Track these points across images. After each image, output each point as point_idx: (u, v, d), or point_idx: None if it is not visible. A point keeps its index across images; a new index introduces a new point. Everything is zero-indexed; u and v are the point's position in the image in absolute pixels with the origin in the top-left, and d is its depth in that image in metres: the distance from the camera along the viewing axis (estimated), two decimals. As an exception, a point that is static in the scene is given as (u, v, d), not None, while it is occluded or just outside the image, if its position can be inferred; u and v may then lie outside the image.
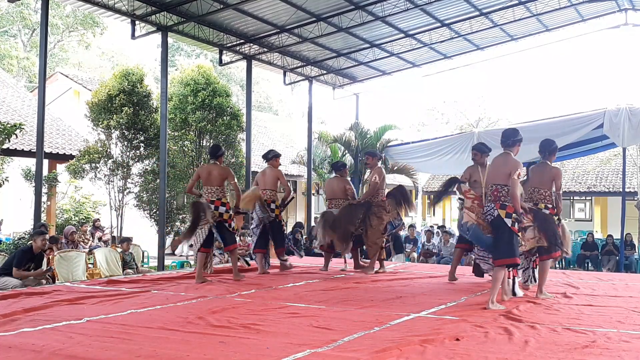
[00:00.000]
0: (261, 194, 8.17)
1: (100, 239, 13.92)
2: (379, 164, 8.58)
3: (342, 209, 8.32)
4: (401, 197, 8.28)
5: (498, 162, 5.88)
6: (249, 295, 6.30)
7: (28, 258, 8.09)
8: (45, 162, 12.95)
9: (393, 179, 22.03)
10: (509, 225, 5.62)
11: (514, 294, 6.11)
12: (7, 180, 10.68)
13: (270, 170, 8.35)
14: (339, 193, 8.61)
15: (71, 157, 14.24)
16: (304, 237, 14.59)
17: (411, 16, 14.10)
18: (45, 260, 8.45)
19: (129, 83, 13.64)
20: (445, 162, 14.62)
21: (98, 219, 15.50)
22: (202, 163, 14.56)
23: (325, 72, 17.18)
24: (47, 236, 8.64)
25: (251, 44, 14.39)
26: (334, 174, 9.12)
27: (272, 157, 8.45)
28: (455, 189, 6.44)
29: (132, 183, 13.87)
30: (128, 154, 13.64)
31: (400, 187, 8.48)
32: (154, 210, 13.68)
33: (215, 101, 14.50)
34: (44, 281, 8.10)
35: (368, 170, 8.53)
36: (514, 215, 5.64)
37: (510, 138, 5.90)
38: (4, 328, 4.46)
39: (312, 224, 16.76)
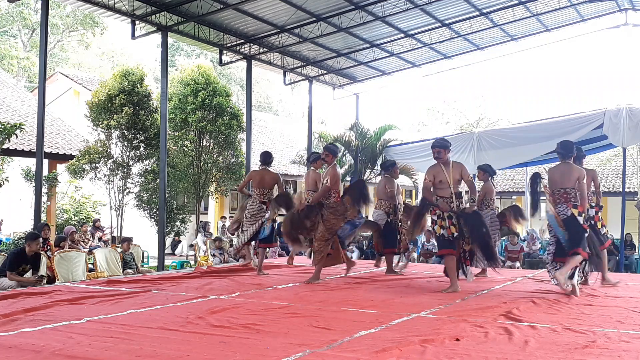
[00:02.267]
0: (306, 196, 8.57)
1: (100, 239, 13.92)
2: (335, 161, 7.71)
3: (300, 210, 7.68)
4: (358, 193, 7.53)
5: (564, 170, 6.64)
6: (249, 295, 6.30)
7: (21, 260, 8.01)
8: (45, 162, 12.96)
9: (393, 179, 22.08)
10: (581, 223, 6.40)
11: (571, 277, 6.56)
12: (7, 180, 10.68)
13: (313, 173, 8.97)
14: (381, 194, 8.49)
15: (71, 157, 14.24)
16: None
17: (411, 16, 14.11)
18: (44, 260, 8.40)
19: (129, 83, 13.64)
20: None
21: (98, 219, 15.50)
22: (201, 163, 14.59)
23: (325, 72, 17.19)
24: (41, 239, 8.54)
25: (251, 44, 14.39)
26: (382, 174, 8.90)
27: (313, 159, 9.09)
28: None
29: (132, 183, 13.87)
30: (128, 154, 13.64)
31: (358, 182, 8.00)
32: (154, 210, 13.68)
33: (215, 101, 14.50)
34: (43, 280, 8.07)
35: (324, 166, 8.13)
36: (583, 214, 6.46)
37: (572, 150, 6.72)
38: (4, 328, 4.46)
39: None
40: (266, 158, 8.40)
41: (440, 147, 6.91)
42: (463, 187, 7.22)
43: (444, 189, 6.82)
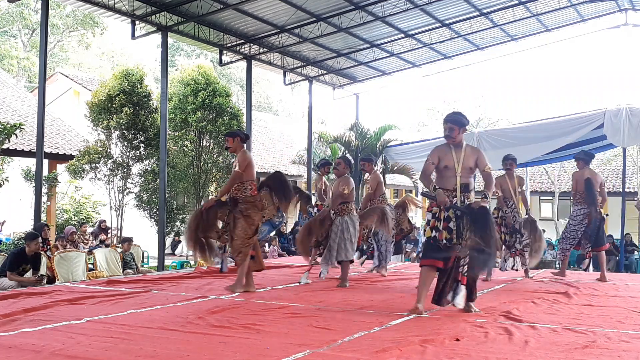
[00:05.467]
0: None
1: (103, 241, 13.89)
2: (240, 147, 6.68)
3: (208, 208, 6.52)
4: (278, 187, 6.55)
5: (595, 174, 8.09)
6: (249, 295, 6.30)
7: (21, 260, 8.01)
8: (45, 162, 12.95)
9: (393, 179, 22.09)
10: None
11: None
12: (7, 180, 10.68)
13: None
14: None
15: (71, 157, 14.24)
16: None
17: (411, 16, 14.12)
18: (44, 260, 8.41)
19: (129, 83, 13.64)
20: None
21: (104, 220, 15.47)
22: (201, 163, 14.59)
23: (325, 72, 17.19)
24: (40, 239, 8.53)
25: (251, 44, 14.40)
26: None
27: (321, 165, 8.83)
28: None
29: (132, 183, 13.87)
30: (128, 154, 13.64)
31: (276, 174, 6.76)
32: (154, 210, 13.68)
33: (215, 101, 14.50)
34: (43, 280, 8.07)
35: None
36: None
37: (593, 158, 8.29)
38: (4, 328, 4.46)
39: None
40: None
41: (454, 122, 5.38)
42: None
43: (448, 178, 5.30)
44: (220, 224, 6.44)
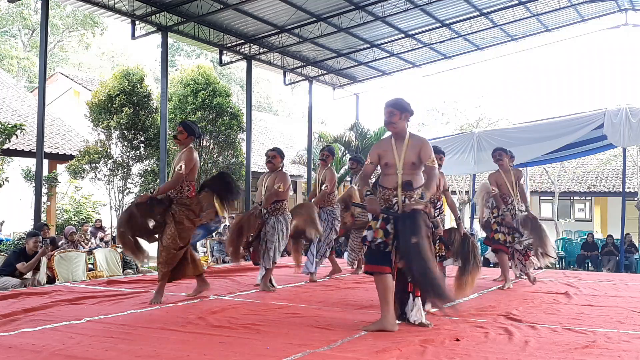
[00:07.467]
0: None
1: (102, 239, 13.89)
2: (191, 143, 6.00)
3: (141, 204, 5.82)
4: (221, 188, 5.91)
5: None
6: (249, 295, 6.30)
7: (22, 259, 8.03)
8: (45, 162, 12.96)
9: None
10: None
11: None
12: (7, 181, 10.69)
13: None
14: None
15: (71, 157, 14.25)
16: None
17: (411, 16, 14.13)
18: (44, 259, 8.41)
19: (129, 83, 13.65)
20: (445, 162, 14.57)
21: (100, 220, 15.45)
22: (201, 163, 14.59)
23: (325, 72, 17.20)
24: (41, 238, 8.55)
25: (251, 44, 14.40)
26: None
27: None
28: None
29: (132, 183, 13.87)
30: (128, 154, 13.65)
31: (220, 175, 6.29)
32: (154, 210, 13.67)
33: (215, 101, 14.52)
34: (43, 280, 8.07)
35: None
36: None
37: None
38: (4, 328, 4.46)
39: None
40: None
41: (394, 106, 4.55)
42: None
43: (389, 176, 4.55)
44: (151, 223, 5.75)
